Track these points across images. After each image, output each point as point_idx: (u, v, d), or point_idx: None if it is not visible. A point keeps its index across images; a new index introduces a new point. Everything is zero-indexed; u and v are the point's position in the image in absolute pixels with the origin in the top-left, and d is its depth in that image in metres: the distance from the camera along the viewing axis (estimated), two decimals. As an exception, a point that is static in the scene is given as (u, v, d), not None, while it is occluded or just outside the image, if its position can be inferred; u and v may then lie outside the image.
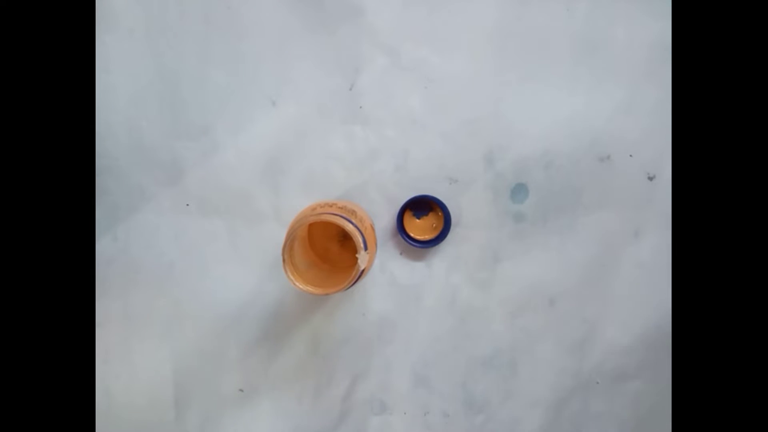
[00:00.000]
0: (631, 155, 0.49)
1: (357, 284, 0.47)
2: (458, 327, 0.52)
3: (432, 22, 0.48)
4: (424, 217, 0.51)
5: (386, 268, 0.51)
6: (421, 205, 0.51)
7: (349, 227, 0.39)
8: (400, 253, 0.51)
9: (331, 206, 0.43)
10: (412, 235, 0.50)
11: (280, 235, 0.42)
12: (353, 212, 0.43)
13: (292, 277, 0.40)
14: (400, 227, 0.50)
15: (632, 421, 0.53)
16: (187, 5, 0.49)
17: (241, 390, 0.53)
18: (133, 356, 0.53)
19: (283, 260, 0.40)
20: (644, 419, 0.52)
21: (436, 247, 0.50)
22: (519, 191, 0.50)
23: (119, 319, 0.53)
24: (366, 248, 0.40)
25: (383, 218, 0.51)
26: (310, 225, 0.48)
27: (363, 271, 0.40)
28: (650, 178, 0.50)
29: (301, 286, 0.40)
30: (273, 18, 0.49)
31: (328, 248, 0.50)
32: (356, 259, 0.39)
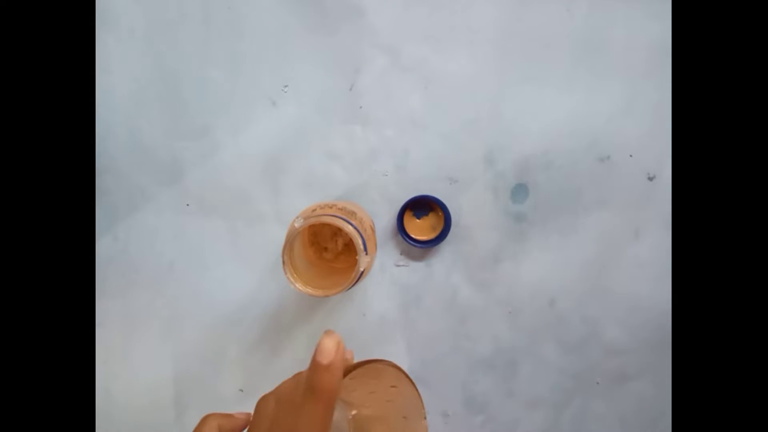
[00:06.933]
0: (631, 155, 0.49)
1: (357, 285, 0.46)
2: (458, 327, 0.52)
3: (432, 22, 0.48)
4: (424, 217, 0.51)
5: (386, 268, 0.51)
6: (421, 205, 0.51)
7: (349, 229, 0.39)
8: (400, 253, 0.51)
9: (331, 207, 0.43)
10: (412, 235, 0.50)
11: (280, 236, 0.42)
12: (353, 213, 0.43)
13: (291, 278, 0.40)
14: (400, 227, 0.50)
15: (632, 422, 0.53)
16: (187, 5, 0.49)
17: (241, 390, 0.53)
18: (133, 356, 0.53)
19: (283, 262, 0.40)
20: (645, 419, 0.52)
21: (436, 247, 0.50)
22: (519, 191, 0.50)
23: (119, 319, 0.53)
24: (366, 250, 0.40)
25: (383, 218, 0.51)
26: (310, 225, 0.48)
27: (362, 272, 0.40)
28: (650, 178, 0.50)
29: (300, 288, 0.40)
30: (273, 18, 0.49)
31: (327, 248, 0.50)
32: (356, 259, 0.39)
